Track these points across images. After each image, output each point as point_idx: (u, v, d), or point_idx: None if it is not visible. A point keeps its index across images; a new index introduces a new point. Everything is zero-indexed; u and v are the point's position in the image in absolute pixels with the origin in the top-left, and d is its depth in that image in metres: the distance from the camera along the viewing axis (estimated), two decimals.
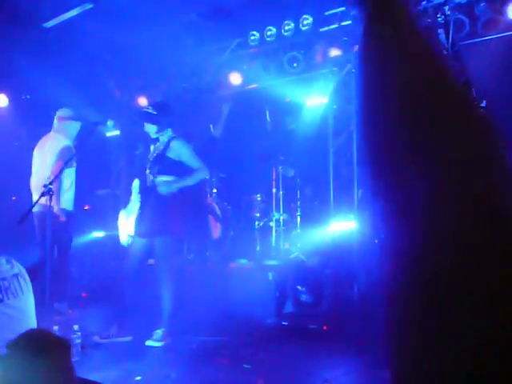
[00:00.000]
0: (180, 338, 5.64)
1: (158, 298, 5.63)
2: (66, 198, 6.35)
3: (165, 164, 5.63)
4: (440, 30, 3.92)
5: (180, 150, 5.68)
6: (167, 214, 5.51)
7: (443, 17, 4.28)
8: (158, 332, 5.57)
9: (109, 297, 6.85)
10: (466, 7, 6.63)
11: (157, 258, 5.71)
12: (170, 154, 5.66)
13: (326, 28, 7.48)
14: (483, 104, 3.08)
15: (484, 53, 6.64)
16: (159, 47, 8.22)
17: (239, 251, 7.38)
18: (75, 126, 6.68)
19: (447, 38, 3.16)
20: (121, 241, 5.83)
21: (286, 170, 7.86)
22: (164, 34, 7.90)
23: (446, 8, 5.91)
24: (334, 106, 7.19)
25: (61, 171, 5.77)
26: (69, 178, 6.39)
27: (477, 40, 6.76)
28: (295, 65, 7.69)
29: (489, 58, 6.45)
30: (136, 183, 5.82)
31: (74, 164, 6.44)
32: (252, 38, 8.05)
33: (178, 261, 5.97)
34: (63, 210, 6.25)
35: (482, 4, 6.59)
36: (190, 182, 5.67)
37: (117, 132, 8.90)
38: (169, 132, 5.82)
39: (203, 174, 5.80)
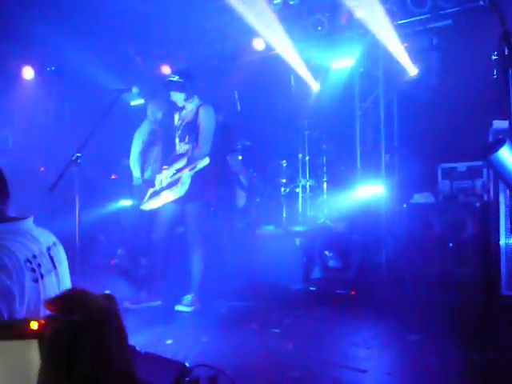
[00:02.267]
0: (209, 304, 5.71)
1: (187, 263, 5.68)
2: None
3: (196, 131, 5.60)
4: None
5: (205, 118, 5.63)
6: (200, 180, 5.50)
7: None
8: (188, 297, 5.65)
9: (138, 264, 6.96)
10: None
11: (188, 224, 5.71)
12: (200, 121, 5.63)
13: None
14: None
15: None
16: (180, 14, 8.13)
17: (266, 218, 7.38)
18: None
19: None
20: (143, 206, 5.85)
21: (315, 134, 7.73)
22: (185, 1, 7.80)
23: None
24: (361, 69, 7.05)
25: None
26: None
27: None
28: (320, 28, 7.55)
29: None
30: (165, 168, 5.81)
31: None
32: (275, 1, 7.90)
33: (207, 228, 6.00)
34: None
35: None
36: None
37: (141, 101, 8.88)
38: (196, 99, 5.78)
39: (202, 156, 5.53)
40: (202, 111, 5.66)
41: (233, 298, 5.91)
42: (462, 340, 4.42)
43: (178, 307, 5.62)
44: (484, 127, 5.20)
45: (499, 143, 2.18)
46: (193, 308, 5.60)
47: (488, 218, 5.46)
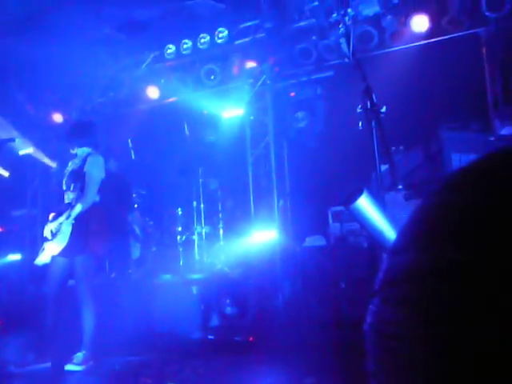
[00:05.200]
0: (102, 360, 5.47)
1: (79, 319, 5.44)
2: None
3: (81, 180, 5.46)
4: (342, 40, 4.07)
5: (92, 166, 5.51)
6: (84, 232, 5.34)
7: (344, 27, 4.49)
8: (79, 355, 5.38)
9: (27, 323, 6.57)
10: (374, 20, 6.93)
11: (76, 278, 5.51)
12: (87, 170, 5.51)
13: (241, 40, 7.58)
14: (383, 109, 3.20)
15: (392, 62, 6.93)
16: (73, 61, 8.04)
17: (163, 267, 7.28)
18: None
19: (348, 47, 3.31)
20: (36, 261, 5.59)
21: (209, 181, 7.84)
22: (78, 47, 7.74)
23: (347, 19, 6.14)
24: (251, 117, 7.28)
25: None
26: None
27: (385, 50, 7.07)
28: (212, 77, 7.74)
29: (396, 67, 6.74)
30: (52, 215, 5.61)
31: None
32: (168, 51, 8.03)
33: (99, 280, 5.81)
34: None
35: (389, 17, 6.90)
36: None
37: (30, 150, 8.58)
38: (86, 148, 5.66)
39: (84, 205, 5.37)
40: (89, 159, 5.54)
41: (129, 352, 5.71)
42: (355, 378, 4.51)
43: (69, 367, 5.33)
44: (368, 171, 5.49)
45: (358, 193, 2.29)
46: (84, 367, 5.33)
47: (376, 258, 5.71)
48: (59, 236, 5.28)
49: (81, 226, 5.33)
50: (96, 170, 5.52)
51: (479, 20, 6.56)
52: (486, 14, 6.39)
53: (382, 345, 0.51)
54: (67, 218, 5.31)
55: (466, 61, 6.62)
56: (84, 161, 5.56)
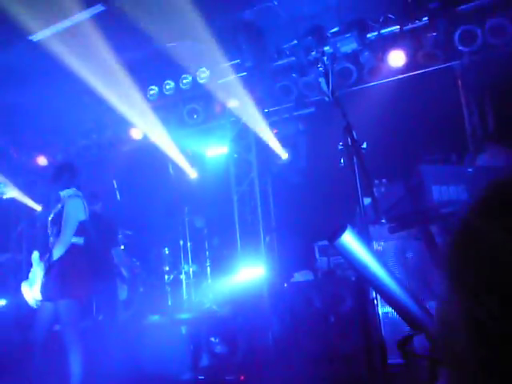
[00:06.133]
0: None
1: (67, 365, 5.34)
2: None
3: (60, 223, 5.44)
4: (321, 79, 4.17)
5: (68, 208, 5.47)
6: (67, 275, 5.30)
7: (323, 66, 4.61)
8: None
9: (14, 370, 6.43)
10: (352, 56, 7.12)
11: (61, 323, 5.44)
12: None
13: (222, 80, 7.70)
14: (364, 145, 3.27)
15: (371, 97, 7.09)
16: (57, 104, 8.10)
17: (151, 307, 7.21)
18: None
19: (328, 86, 3.40)
20: (30, 304, 5.54)
21: (195, 220, 7.85)
22: (61, 91, 7.81)
23: (325, 58, 6.31)
24: (235, 155, 7.35)
25: None
26: None
27: (364, 85, 7.23)
28: (195, 116, 7.83)
29: (375, 102, 6.89)
30: (36, 255, 5.56)
31: None
32: (151, 92, 8.14)
33: (86, 324, 5.74)
34: None
35: (366, 53, 7.09)
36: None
37: (15, 193, 8.56)
38: (68, 191, 5.65)
39: (59, 249, 5.31)
40: (67, 202, 5.52)
41: None
42: None
43: None
44: (352, 205, 5.54)
45: (341, 229, 2.33)
46: None
47: (364, 290, 5.71)
48: (34, 280, 5.31)
49: (62, 269, 5.30)
50: (72, 212, 5.48)
51: (453, 54, 6.77)
52: (460, 48, 6.59)
53: None
54: (45, 263, 5.31)
55: (443, 94, 6.79)
56: (64, 205, 5.55)
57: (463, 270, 0.48)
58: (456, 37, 6.58)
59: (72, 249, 5.41)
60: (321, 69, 4.41)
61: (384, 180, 5.77)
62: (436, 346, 0.50)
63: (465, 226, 0.50)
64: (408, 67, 6.95)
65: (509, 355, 0.44)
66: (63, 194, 5.64)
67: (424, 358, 0.53)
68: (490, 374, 0.46)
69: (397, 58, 6.89)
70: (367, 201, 4.79)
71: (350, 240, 2.44)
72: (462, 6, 6.55)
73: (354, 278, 5.95)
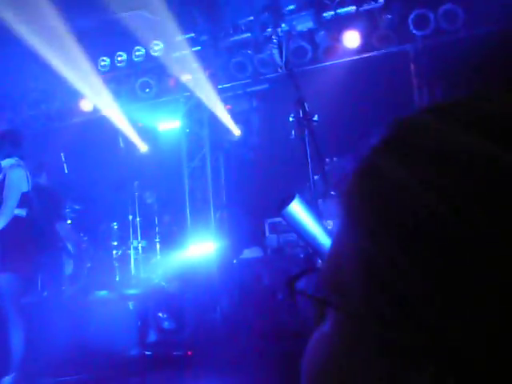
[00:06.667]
0: (34, 382, 5.25)
1: (7, 340, 5.20)
2: None
3: (1, 194, 5.23)
4: (275, 50, 4.17)
5: (10, 178, 5.27)
6: (8, 248, 5.12)
7: (277, 38, 4.61)
8: (7, 379, 5.13)
9: None
10: (308, 35, 7.11)
11: (1, 298, 5.27)
12: None
13: (177, 53, 7.56)
14: (315, 118, 3.27)
15: (325, 76, 7.12)
16: (3, 73, 7.79)
17: (98, 282, 7.09)
18: None
19: (281, 57, 3.38)
20: None
21: (145, 195, 7.74)
22: (5, 58, 7.50)
23: (279, 30, 6.28)
24: (187, 130, 7.26)
25: None
26: None
27: (319, 65, 7.25)
28: (147, 90, 7.68)
29: (329, 81, 6.93)
30: None
31: None
32: (102, 63, 7.92)
33: (30, 299, 5.59)
34: None
35: (322, 32, 7.09)
36: None
37: None
38: (10, 161, 5.43)
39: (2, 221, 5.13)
40: (8, 172, 5.31)
41: (62, 373, 5.51)
42: None
43: None
44: (302, 180, 5.57)
45: (290, 198, 2.32)
46: None
47: (313, 267, 5.78)
48: None
49: (3, 242, 5.12)
50: (15, 183, 5.29)
51: (407, 37, 6.85)
52: (413, 31, 6.68)
53: None
54: None
55: (396, 76, 6.89)
56: (5, 175, 5.34)
57: (360, 205, 0.46)
58: (410, 20, 6.66)
59: (14, 221, 5.22)
60: (275, 40, 4.40)
61: (335, 158, 5.84)
62: (324, 285, 0.49)
63: (364, 162, 0.49)
64: (363, 48, 7.00)
65: (396, 295, 0.43)
66: (4, 163, 5.41)
67: (312, 298, 0.50)
68: (375, 310, 0.45)
69: (352, 39, 6.92)
70: (317, 176, 4.81)
71: (297, 209, 2.44)
72: None
73: (302, 256, 6.01)
